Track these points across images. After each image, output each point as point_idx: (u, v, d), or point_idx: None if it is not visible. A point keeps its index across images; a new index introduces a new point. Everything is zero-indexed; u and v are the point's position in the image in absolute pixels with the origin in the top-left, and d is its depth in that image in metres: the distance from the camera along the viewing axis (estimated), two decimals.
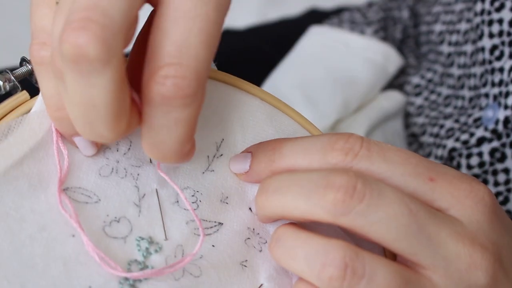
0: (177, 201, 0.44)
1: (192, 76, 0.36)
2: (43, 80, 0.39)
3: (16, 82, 0.42)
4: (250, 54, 0.78)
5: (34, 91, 0.42)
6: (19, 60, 0.43)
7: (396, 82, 0.74)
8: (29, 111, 0.42)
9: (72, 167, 0.42)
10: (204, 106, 0.44)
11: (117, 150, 0.43)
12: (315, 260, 0.39)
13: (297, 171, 0.41)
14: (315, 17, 0.84)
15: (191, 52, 0.35)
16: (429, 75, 0.71)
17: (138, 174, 0.43)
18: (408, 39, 0.77)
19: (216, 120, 0.46)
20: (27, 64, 0.42)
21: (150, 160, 0.43)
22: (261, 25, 0.88)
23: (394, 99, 0.71)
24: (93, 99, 0.35)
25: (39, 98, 0.42)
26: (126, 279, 0.41)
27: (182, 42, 0.35)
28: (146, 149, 0.39)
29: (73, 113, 0.36)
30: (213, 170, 0.45)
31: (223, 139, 0.46)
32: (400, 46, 0.76)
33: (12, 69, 0.42)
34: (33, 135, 0.41)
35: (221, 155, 0.45)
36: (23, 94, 0.42)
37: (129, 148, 0.43)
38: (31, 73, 0.42)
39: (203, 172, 0.45)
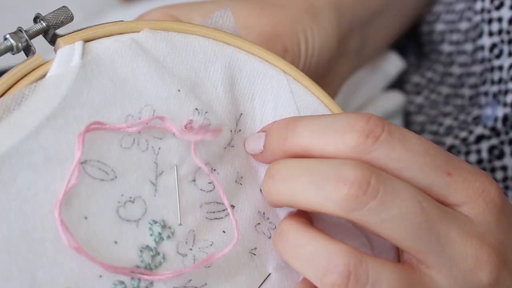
0: (194, 180, 0.42)
1: None
2: None
3: (30, 42, 0.40)
4: None
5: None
6: (34, 17, 0.41)
7: (395, 82, 0.75)
8: (44, 76, 0.39)
9: (95, 136, 0.39)
10: (224, 75, 0.43)
11: (139, 119, 0.41)
12: (318, 263, 0.38)
13: (307, 158, 0.40)
14: None
15: None
16: (429, 74, 0.72)
17: (159, 148, 0.41)
18: (408, 39, 0.77)
19: (236, 93, 0.44)
20: (42, 22, 0.40)
21: (174, 133, 0.41)
22: None
23: (394, 99, 0.72)
24: None
25: (55, 61, 0.40)
26: (137, 267, 0.40)
27: None
28: None
29: None
30: (233, 146, 0.44)
31: (241, 114, 0.44)
32: (402, 45, 0.77)
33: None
34: (50, 102, 0.39)
35: (240, 130, 0.44)
36: (38, 58, 0.40)
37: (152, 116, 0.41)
38: (46, 31, 0.40)
39: (225, 148, 0.43)
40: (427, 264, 0.39)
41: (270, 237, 0.44)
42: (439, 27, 0.71)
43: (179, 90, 0.42)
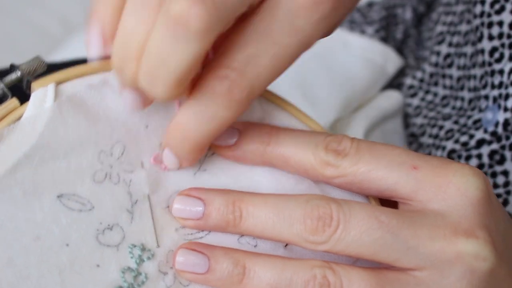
0: (167, 206, 0.44)
1: (247, 89, 0.39)
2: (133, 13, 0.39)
3: (6, 89, 0.42)
4: None
5: (24, 98, 0.42)
6: (9, 66, 0.43)
7: (395, 82, 0.74)
8: (19, 118, 0.41)
9: (67, 171, 0.42)
10: None
11: (111, 155, 0.43)
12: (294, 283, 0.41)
13: (274, 196, 0.42)
14: None
15: (256, 69, 0.39)
16: (419, 74, 0.72)
17: (130, 180, 0.43)
18: (408, 39, 0.77)
19: None
20: (17, 71, 0.42)
21: (142, 164, 0.44)
22: None
23: (393, 98, 0.71)
24: (170, 58, 0.37)
25: (30, 103, 0.42)
26: (121, 287, 0.41)
27: (254, 57, 0.39)
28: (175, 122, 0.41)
29: (145, 61, 0.38)
30: (205, 170, 0.45)
31: None
32: (401, 46, 0.76)
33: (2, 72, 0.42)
34: (27, 140, 0.41)
35: (213, 154, 0.45)
36: (13, 102, 0.42)
37: (122, 153, 0.43)
38: (20, 80, 0.42)
39: (195, 173, 0.45)
40: (407, 268, 0.40)
41: (255, 246, 0.44)
42: (439, 28, 0.71)
43: (147, 126, 0.44)
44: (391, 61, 0.73)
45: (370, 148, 0.42)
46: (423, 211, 0.41)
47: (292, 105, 0.46)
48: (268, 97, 0.46)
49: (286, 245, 0.44)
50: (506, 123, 0.60)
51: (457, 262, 0.39)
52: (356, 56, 0.73)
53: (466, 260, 0.39)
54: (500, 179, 0.60)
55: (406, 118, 0.72)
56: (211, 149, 0.45)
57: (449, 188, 0.40)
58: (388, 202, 0.44)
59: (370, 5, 0.81)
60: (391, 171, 0.41)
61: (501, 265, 0.40)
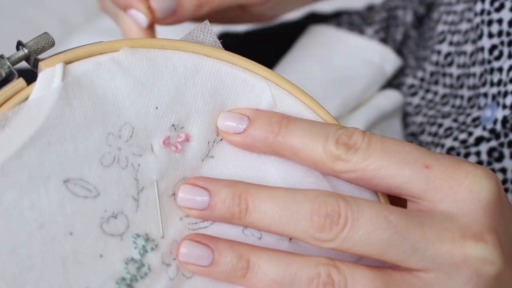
0: (174, 194, 0.43)
1: None
2: None
3: (12, 68, 0.41)
4: (249, 57, 0.78)
5: (30, 78, 0.41)
6: (16, 43, 0.42)
7: (395, 83, 0.75)
8: (26, 99, 0.41)
9: (74, 154, 0.41)
10: (204, 88, 0.44)
11: (120, 137, 0.42)
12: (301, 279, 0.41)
13: (282, 190, 0.42)
14: (314, 20, 0.84)
15: None
16: (420, 73, 0.72)
17: (138, 165, 0.42)
18: (408, 40, 0.77)
19: (218, 103, 0.45)
20: (24, 49, 0.41)
21: (151, 147, 0.43)
22: (261, 28, 0.88)
23: (392, 98, 0.71)
24: None
25: (37, 84, 0.41)
26: (123, 279, 0.41)
27: None
28: None
29: None
30: (212, 156, 0.44)
31: None
32: (400, 47, 0.77)
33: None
34: (32, 123, 0.40)
35: (221, 140, 0.45)
36: (20, 82, 0.41)
37: (131, 135, 0.42)
38: (28, 57, 0.41)
39: (203, 160, 0.44)
40: (414, 269, 0.40)
41: (260, 238, 0.44)
42: (440, 27, 0.71)
43: (156, 108, 0.43)
44: (389, 60, 0.73)
45: (381, 143, 0.41)
46: (432, 211, 0.41)
47: (303, 92, 0.46)
48: (279, 83, 0.45)
49: (291, 238, 0.44)
50: (504, 120, 0.60)
51: (464, 266, 0.39)
52: (354, 55, 0.73)
53: (473, 264, 0.39)
54: (499, 177, 0.60)
55: (406, 118, 0.72)
56: (220, 134, 0.45)
57: (461, 189, 0.40)
58: (396, 196, 0.43)
59: (369, 9, 0.82)
60: (402, 169, 0.41)
61: (508, 268, 0.40)
